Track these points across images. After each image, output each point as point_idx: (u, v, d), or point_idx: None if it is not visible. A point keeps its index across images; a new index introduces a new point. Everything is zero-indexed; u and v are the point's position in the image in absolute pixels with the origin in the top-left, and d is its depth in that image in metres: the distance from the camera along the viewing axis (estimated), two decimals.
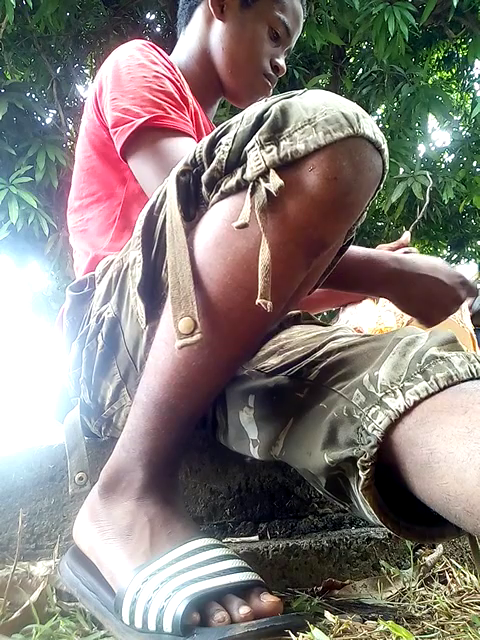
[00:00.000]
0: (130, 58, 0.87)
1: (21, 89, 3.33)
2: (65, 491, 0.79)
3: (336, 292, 1.22)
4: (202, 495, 0.84)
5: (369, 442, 0.50)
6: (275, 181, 0.49)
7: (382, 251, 0.88)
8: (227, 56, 0.99)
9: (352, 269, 0.83)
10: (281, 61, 1.02)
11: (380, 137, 0.52)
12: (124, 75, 0.84)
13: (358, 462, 0.50)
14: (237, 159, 0.52)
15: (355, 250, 0.84)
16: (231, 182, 0.52)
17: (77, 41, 3.67)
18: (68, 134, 3.60)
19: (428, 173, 3.31)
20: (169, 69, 0.89)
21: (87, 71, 4.07)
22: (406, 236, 1.31)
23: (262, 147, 0.50)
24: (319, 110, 0.50)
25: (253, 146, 0.51)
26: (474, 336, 1.27)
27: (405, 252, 1.24)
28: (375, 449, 0.49)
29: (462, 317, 1.24)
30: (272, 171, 0.50)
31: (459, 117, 4.59)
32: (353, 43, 3.50)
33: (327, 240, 0.55)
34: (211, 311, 0.53)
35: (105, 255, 0.82)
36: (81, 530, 0.63)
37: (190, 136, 0.81)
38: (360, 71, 4.04)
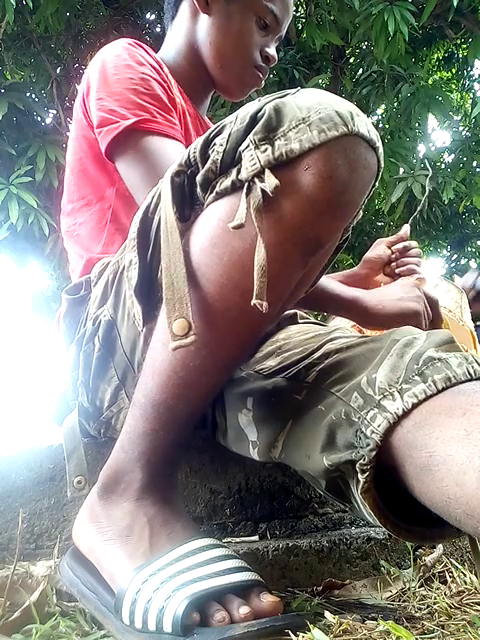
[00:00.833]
0: (117, 58, 0.86)
1: (21, 89, 3.33)
2: (65, 491, 0.79)
3: None
4: (202, 495, 0.84)
5: (368, 445, 0.50)
6: (270, 181, 0.49)
7: (352, 293, 0.93)
8: (215, 50, 0.96)
9: (322, 305, 0.92)
10: (271, 50, 1.00)
11: (374, 135, 0.52)
12: (111, 76, 0.84)
13: (357, 465, 0.50)
14: (232, 159, 0.52)
15: (329, 287, 0.90)
16: (226, 182, 0.52)
17: (77, 41, 3.67)
18: (68, 134, 3.60)
19: (428, 173, 3.31)
20: (156, 69, 0.88)
21: None
22: (405, 229, 1.30)
23: (257, 147, 0.50)
24: (313, 109, 0.50)
25: (248, 146, 0.51)
26: (474, 333, 1.26)
27: (404, 247, 1.24)
28: (374, 452, 0.49)
29: (462, 315, 1.24)
30: (267, 171, 0.50)
31: (459, 117, 4.59)
32: (353, 43, 3.50)
33: (323, 239, 0.55)
34: (208, 312, 0.53)
35: (99, 258, 0.82)
36: (80, 531, 0.63)
37: (176, 139, 0.81)
38: (360, 71, 4.04)
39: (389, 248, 1.27)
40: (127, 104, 0.81)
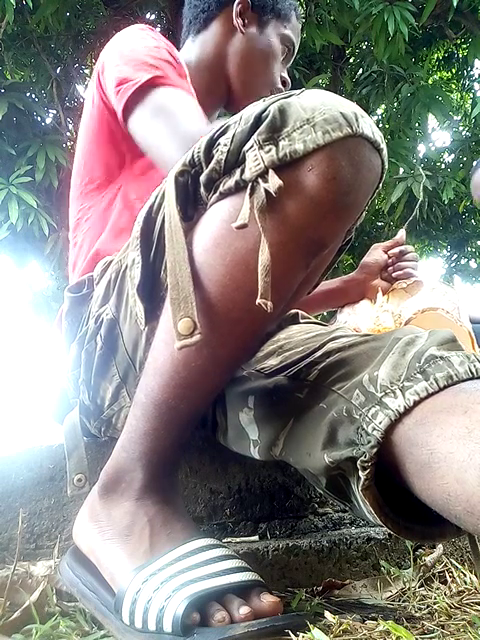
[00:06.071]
0: (130, 36, 0.90)
1: (21, 89, 3.33)
2: (65, 491, 0.79)
3: (331, 294, 1.30)
4: (202, 495, 0.84)
5: (369, 442, 0.50)
6: (274, 181, 0.49)
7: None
8: (245, 69, 1.02)
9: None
10: (285, 74, 1.07)
11: (379, 137, 0.52)
12: (126, 48, 0.86)
13: (358, 462, 0.50)
14: (236, 159, 0.52)
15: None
16: (230, 182, 0.52)
17: (77, 41, 3.66)
18: (68, 134, 3.60)
19: (424, 173, 3.32)
20: (168, 47, 0.90)
21: (87, 71, 4.07)
22: (401, 234, 1.32)
23: (261, 147, 0.50)
24: (317, 110, 0.50)
25: (252, 146, 0.51)
26: (472, 334, 1.27)
27: (401, 251, 1.27)
28: (375, 449, 0.49)
29: (460, 316, 1.24)
30: (271, 171, 0.49)
31: (459, 117, 4.59)
32: (353, 43, 3.49)
33: (327, 240, 0.55)
34: (210, 312, 0.53)
35: (105, 253, 0.83)
36: (81, 530, 0.63)
37: (194, 98, 0.82)
38: (360, 71, 4.03)
39: (385, 253, 1.29)
40: (143, 66, 0.82)
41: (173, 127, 0.76)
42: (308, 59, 3.71)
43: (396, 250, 1.29)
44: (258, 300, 0.49)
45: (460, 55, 4.32)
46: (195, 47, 1.05)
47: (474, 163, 2.09)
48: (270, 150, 0.50)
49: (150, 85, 0.79)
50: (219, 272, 0.53)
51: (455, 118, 4.38)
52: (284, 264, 0.52)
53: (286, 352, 0.71)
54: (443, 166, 4.20)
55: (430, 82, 3.96)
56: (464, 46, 4.06)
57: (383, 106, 4.01)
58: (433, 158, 4.14)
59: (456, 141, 4.14)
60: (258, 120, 0.51)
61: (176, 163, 0.57)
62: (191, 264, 0.53)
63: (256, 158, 0.50)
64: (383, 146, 0.53)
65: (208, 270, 0.53)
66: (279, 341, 0.75)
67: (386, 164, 0.55)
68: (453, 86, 4.75)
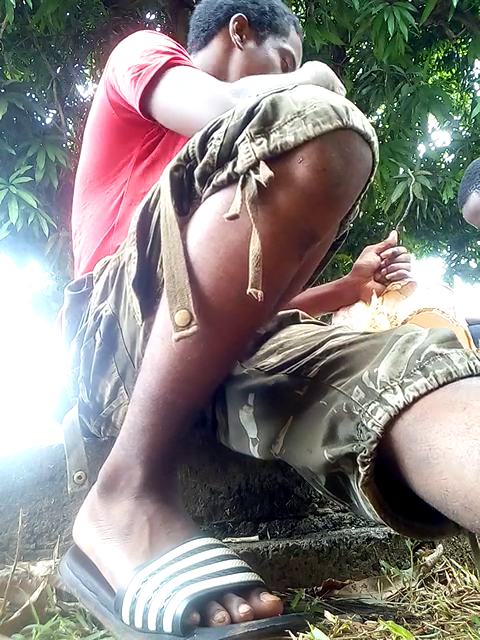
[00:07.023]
0: (141, 36, 0.92)
1: (21, 89, 3.33)
2: (65, 491, 0.79)
3: (326, 297, 1.33)
4: (202, 495, 0.84)
5: (369, 438, 0.50)
6: (265, 172, 0.49)
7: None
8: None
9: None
10: None
11: (369, 129, 0.53)
12: (138, 45, 0.88)
13: (358, 458, 0.50)
14: (228, 153, 0.53)
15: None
16: (222, 175, 0.53)
17: (77, 41, 3.66)
18: (68, 134, 3.60)
19: (423, 173, 3.32)
20: (179, 46, 0.92)
21: (87, 71, 4.07)
22: (393, 235, 1.33)
23: (252, 140, 0.51)
24: (308, 103, 0.51)
25: (244, 139, 0.51)
26: (469, 333, 1.28)
27: (394, 253, 1.29)
28: (375, 445, 0.50)
29: (455, 315, 1.25)
30: (262, 163, 0.50)
31: (459, 117, 4.59)
32: (353, 43, 3.49)
33: (318, 231, 0.55)
34: (206, 305, 0.54)
35: (112, 245, 0.83)
36: (81, 530, 0.63)
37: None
38: (360, 71, 4.03)
39: (378, 254, 1.30)
40: (158, 54, 0.84)
41: (200, 93, 0.78)
42: (308, 59, 3.69)
43: (388, 251, 1.30)
44: (249, 289, 0.49)
45: (460, 55, 4.32)
46: (196, 63, 1.06)
47: (460, 193, 2.07)
48: (261, 142, 0.50)
49: (169, 66, 0.81)
50: (213, 265, 0.53)
51: (455, 118, 4.38)
52: (276, 256, 0.53)
53: (286, 350, 0.71)
54: (443, 166, 4.20)
55: (430, 82, 3.95)
56: (464, 46, 4.05)
57: (383, 106, 4.01)
58: (433, 158, 4.13)
59: (456, 141, 4.14)
60: (250, 114, 0.52)
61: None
62: (186, 257, 0.54)
63: (248, 150, 0.51)
64: (374, 139, 0.54)
65: (202, 263, 0.54)
66: (279, 340, 0.75)
67: (377, 157, 0.56)
68: (453, 86, 4.75)
